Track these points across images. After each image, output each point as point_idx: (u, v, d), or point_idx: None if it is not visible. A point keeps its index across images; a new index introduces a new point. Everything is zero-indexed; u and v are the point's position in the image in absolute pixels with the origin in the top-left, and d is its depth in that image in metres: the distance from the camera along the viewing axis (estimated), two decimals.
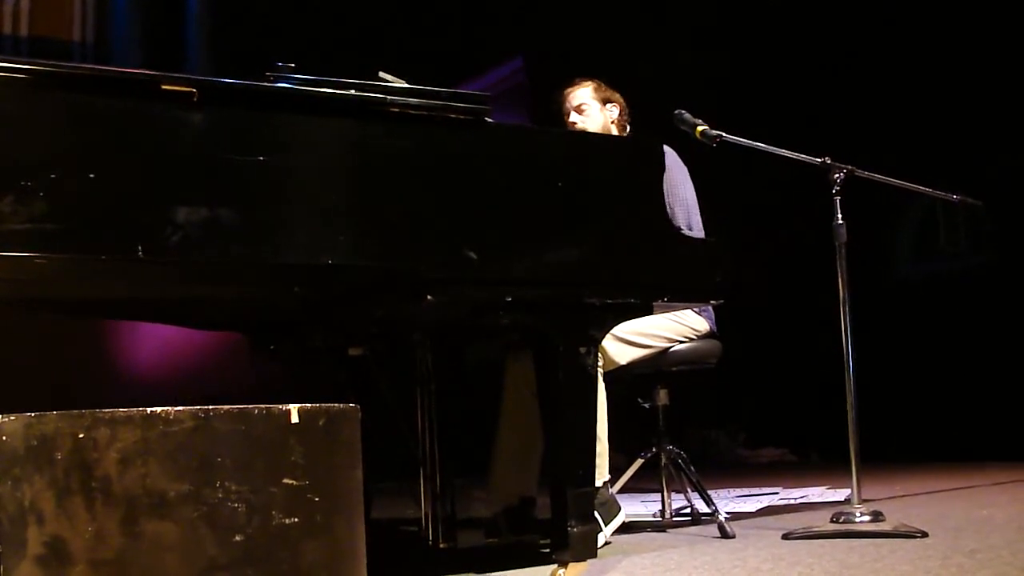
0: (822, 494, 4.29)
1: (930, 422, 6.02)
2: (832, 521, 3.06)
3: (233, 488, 1.55)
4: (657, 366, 3.28)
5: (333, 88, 2.12)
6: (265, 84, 2.08)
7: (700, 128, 3.28)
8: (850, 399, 3.11)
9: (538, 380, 2.44)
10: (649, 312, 2.57)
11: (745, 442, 7.28)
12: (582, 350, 2.35)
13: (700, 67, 6.78)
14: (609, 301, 2.41)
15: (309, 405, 1.66)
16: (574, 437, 2.34)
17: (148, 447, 1.52)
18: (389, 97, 2.15)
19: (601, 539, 2.87)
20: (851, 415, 3.11)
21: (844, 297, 3.14)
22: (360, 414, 1.76)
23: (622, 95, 3.57)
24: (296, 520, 1.60)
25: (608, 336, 2.87)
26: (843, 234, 3.13)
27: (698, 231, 3.35)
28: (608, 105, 3.51)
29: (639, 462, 3.41)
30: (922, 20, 6.22)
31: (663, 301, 2.53)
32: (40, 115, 1.84)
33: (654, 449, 3.38)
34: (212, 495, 1.54)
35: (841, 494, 4.09)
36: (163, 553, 1.51)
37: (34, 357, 4.74)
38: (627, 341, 3.18)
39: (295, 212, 2.04)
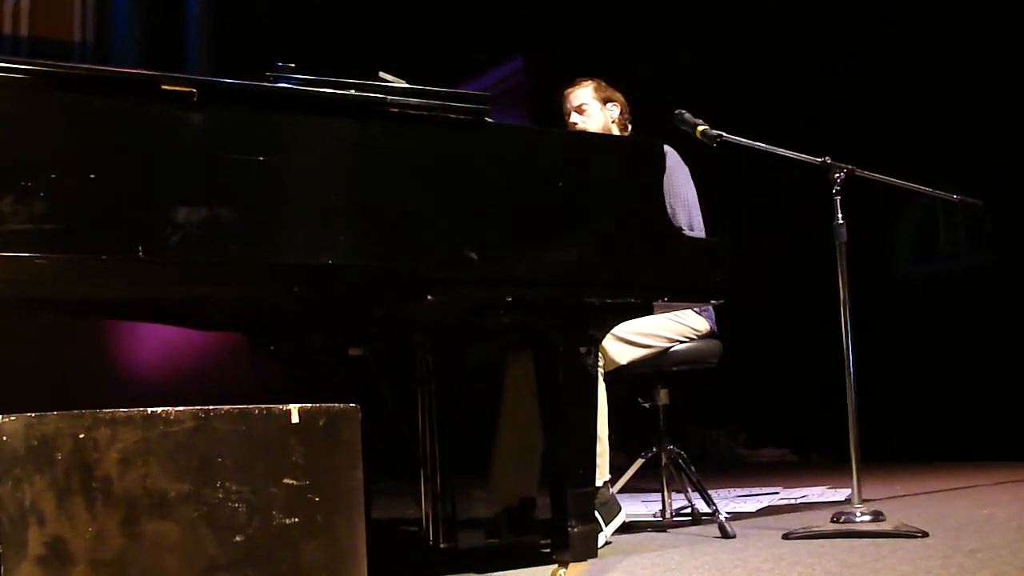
0: (822, 494, 4.29)
1: (930, 422, 6.02)
2: (833, 521, 3.06)
3: (233, 488, 1.55)
4: (657, 366, 3.28)
5: (333, 88, 2.12)
6: (265, 84, 2.08)
7: (700, 128, 3.28)
8: (850, 399, 3.11)
9: (538, 380, 2.44)
10: (649, 312, 2.57)
11: (745, 442, 7.28)
12: (582, 350, 2.35)
13: (700, 67, 6.78)
14: (609, 301, 2.41)
15: (309, 405, 1.66)
16: (574, 437, 2.34)
17: (148, 447, 1.52)
18: (389, 97, 2.15)
19: (602, 539, 2.87)
20: (851, 415, 3.11)
21: (844, 297, 3.14)
22: (360, 414, 1.76)
23: (623, 95, 3.57)
24: (296, 520, 1.60)
25: (608, 336, 2.87)
26: (843, 234, 3.13)
27: (699, 231, 3.35)
28: (609, 104, 3.51)
29: (639, 462, 3.41)
30: (922, 20, 6.22)
31: (663, 301, 2.53)
32: (40, 115, 1.84)
33: (654, 449, 3.37)
34: (212, 495, 1.54)
35: (841, 494, 4.09)
36: (163, 553, 1.51)
37: (34, 357, 4.75)
38: (627, 341, 3.18)
39: (295, 212, 2.04)
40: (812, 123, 6.06)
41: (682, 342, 3.30)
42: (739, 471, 6.15)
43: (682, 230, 2.97)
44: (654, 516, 3.63)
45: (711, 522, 3.20)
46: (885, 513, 3.05)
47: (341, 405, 1.72)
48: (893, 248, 6.89)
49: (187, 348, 5.33)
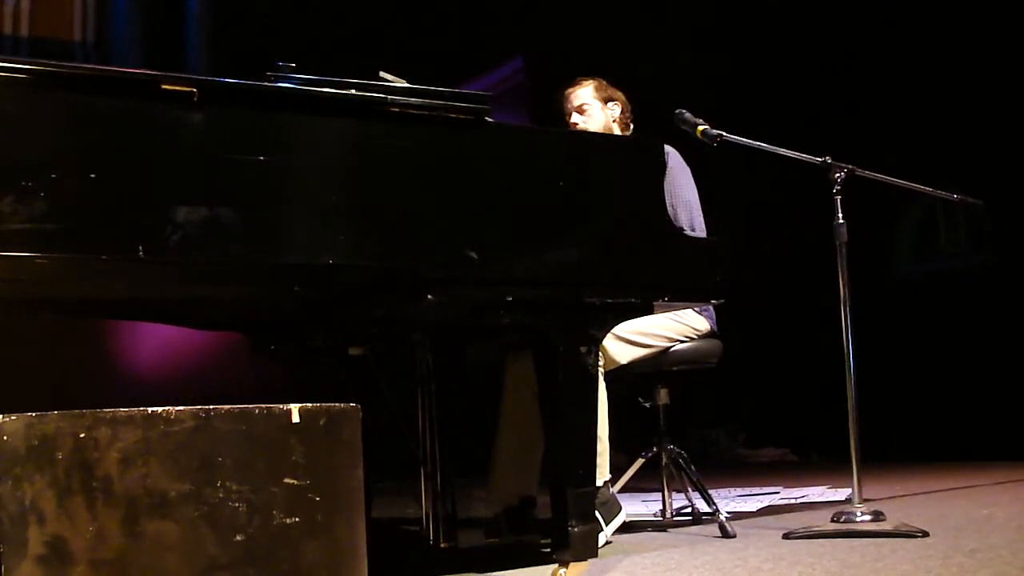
0: (823, 494, 4.29)
1: (930, 422, 6.02)
2: (833, 521, 3.06)
3: (234, 488, 1.55)
4: (658, 365, 3.28)
5: (334, 88, 2.12)
6: (265, 84, 2.08)
7: (700, 128, 3.28)
8: (850, 399, 3.11)
9: (538, 380, 2.44)
10: (650, 312, 2.57)
11: (745, 442, 7.28)
12: (582, 350, 2.35)
13: (700, 67, 6.78)
14: (609, 301, 2.41)
15: (310, 405, 1.66)
16: (574, 437, 2.34)
17: (149, 447, 1.52)
18: (390, 97, 2.15)
19: (602, 539, 2.87)
20: (851, 415, 3.11)
21: (844, 297, 3.14)
22: (360, 414, 1.76)
23: (624, 94, 3.56)
24: (297, 520, 1.60)
25: (609, 335, 2.87)
26: (843, 234, 3.13)
27: (701, 233, 3.34)
28: (610, 104, 3.51)
29: (640, 462, 3.41)
30: (922, 20, 6.22)
31: (664, 301, 2.53)
32: (40, 115, 1.84)
33: (655, 448, 3.37)
34: (213, 495, 1.54)
35: (842, 494, 4.09)
36: (164, 553, 1.51)
37: (34, 357, 4.74)
38: (628, 340, 3.18)
39: (295, 212, 2.04)
40: (812, 123, 6.06)
41: (682, 342, 3.30)
42: (739, 471, 6.15)
43: (683, 231, 2.97)
44: (654, 516, 3.63)
45: (711, 522, 3.20)
46: (885, 513, 3.05)
47: (341, 405, 1.72)
48: (893, 248, 6.89)
49: (187, 348, 5.33)
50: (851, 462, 3.09)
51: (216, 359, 5.08)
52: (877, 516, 3.02)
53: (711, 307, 3.32)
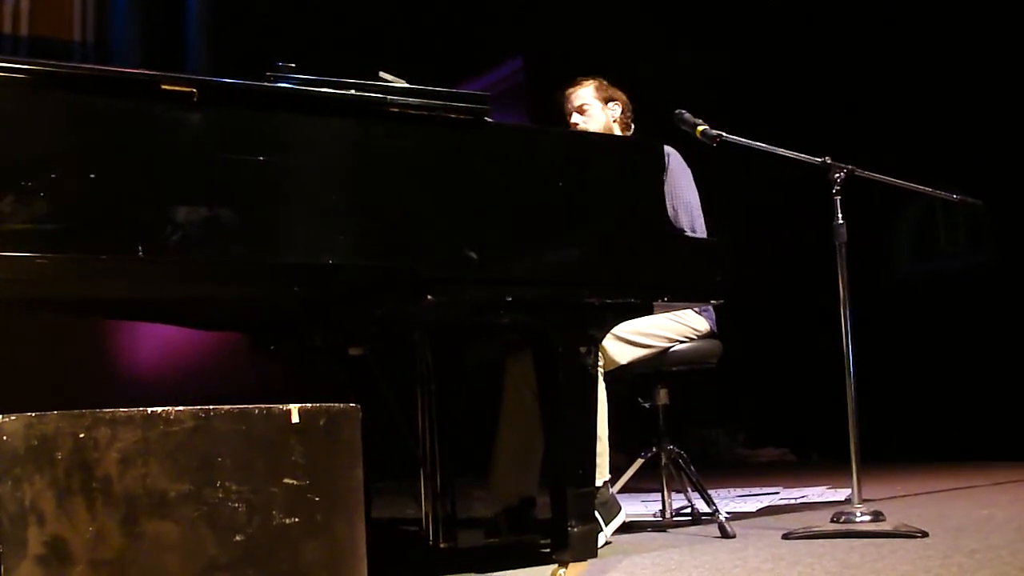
0: (822, 494, 4.29)
1: (930, 422, 6.02)
2: (832, 521, 3.06)
3: (233, 488, 1.55)
4: (657, 366, 3.28)
5: (333, 88, 2.12)
6: (265, 84, 2.08)
7: (700, 128, 3.28)
8: (850, 399, 3.11)
9: (538, 380, 2.44)
10: (649, 312, 2.57)
11: (745, 442, 7.28)
12: (582, 350, 2.35)
13: (700, 67, 6.78)
14: (609, 301, 2.41)
15: (309, 405, 1.66)
16: (574, 437, 2.34)
17: (149, 447, 1.52)
18: (389, 97, 2.15)
19: (601, 539, 2.87)
20: (851, 415, 3.10)
21: (844, 297, 3.14)
22: (360, 414, 1.76)
23: (624, 95, 3.56)
24: (296, 520, 1.60)
25: (608, 336, 2.87)
26: (843, 234, 3.13)
27: (701, 234, 3.34)
28: (610, 104, 3.50)
29: (639, 462, 3.41)
30: (922, 20, 6.22)
31: (663, 301, 2.53)
32: (40, 115, 1.84)
33: (654, 449, 3.38)
34: (212, 495, 1.54)
35: (841, 494, 4.10)
36: (163, 553, 1.51)
37: (34, 357, 4.74)
38: (627, 341, 3.18)
39: (295, 212, 2.04)
40: (812, 123, 6.06)
41: (682, 342, 3.30)
42: (739, 471, 6.15)
43: (683, 232, 2.97)
44: (654, 516, 3.63)
45: (711, 522, 3.20)
46: (885, 513, 3.05)
47: (341, 405, 1.72)
48: (893, 248, 6.89)
49: (187, 348, 5.33)
50: (851, 462, 3.09)
51: (216, 359, 5.08)
52: (877, 516, 3.02)
53: (711, 307, 3.32)
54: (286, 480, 1.60)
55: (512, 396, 3.25)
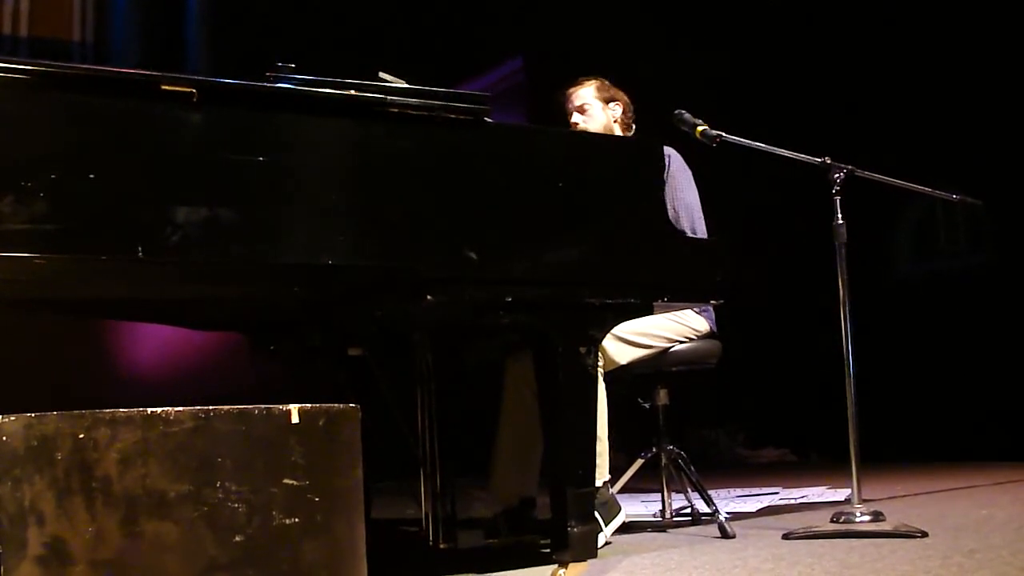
0: (822, 494, 4.29)
1: (930, 422, 6.02)
2: (832, 521, 3.06)
3: (233, 488, 1.55)
4: (657, 366, 3.28)
5: (333, 88, 2.12)
6: (265, 84, 2.08)
7: (700, 128, 3.28)
8: (850, 399, 3.10)
9: (538, 380, 2.44)
10: (649, 312, 2.57)
11: (745, 442, 7.28)
12: (582, 350, 2.35)
13: (700, 67, 6.78)
14: (609, 301, 2.41)
15: (309, 405, 1.66)
16: (574, 437, 2.34)
17: (148, 447, 1.52)
18: (389, 97, 2.15)
19: (601, 539, 2.87)
20: (851, 415, 3.10)
21: (844, 297, 3.14)
22: (360, 414, 1.76)
23: (625, 95, 3.56)
24: (296, 520, 1.60)
25: (608, 336, 2.87)
26: (843, 234, 3.13)
27: (702, 236, 3.34)
28: (611, 104, 3.50)
29: (639, 462, 3.41)
30: (922, 20, 6.22)
31: (663, 301, 2.53)
32: (40, 115, 1.84)
33: (654, 449, 3.37)
34: (212, 495, 1.54)
35: (841, 494, 4.09)
36: (163, 553, 1.51)
37: (34, 357, 4.74)
38: (627, 341, 3.18)
39: (295, 212, 2.04)
40: (812, 123, 6.06)
41: (682, 342, 3.30)
42: (739, 471, 6.15)
43: (683, 234, 2.97)
44: (654, 516, 3.63)
45: (711, 522, 3.20)
46: (885, 513, 3.05)
47: (341, 405, 1.72)
48: (893, 248, 6.89)
49: (187, 348, 5.33)
50: (851, 462, 3.09)
51: (216, 359, 5.08)
52: (876, 516, 3.02)
53: (711, 307, 3.32)
54: (286, 480, 1.60)
55: (512, 396, 3.25)
